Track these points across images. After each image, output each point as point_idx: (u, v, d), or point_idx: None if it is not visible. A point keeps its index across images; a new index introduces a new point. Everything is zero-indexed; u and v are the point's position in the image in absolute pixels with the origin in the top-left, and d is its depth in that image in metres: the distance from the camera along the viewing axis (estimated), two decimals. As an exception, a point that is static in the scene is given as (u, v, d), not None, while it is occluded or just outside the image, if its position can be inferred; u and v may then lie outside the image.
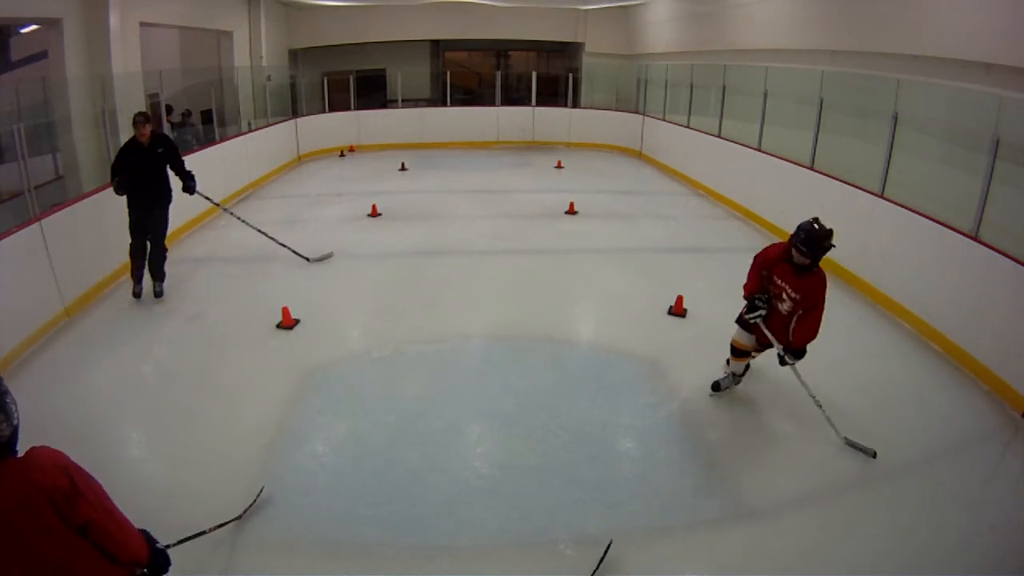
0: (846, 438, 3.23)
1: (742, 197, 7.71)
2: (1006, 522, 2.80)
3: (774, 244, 3.45)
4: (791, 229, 3.03)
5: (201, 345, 4.26)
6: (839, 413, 3.35)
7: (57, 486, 1.43)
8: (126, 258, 5.56)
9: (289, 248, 5.19)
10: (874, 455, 3.12)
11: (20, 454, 1.48)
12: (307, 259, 5.29)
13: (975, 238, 4.20)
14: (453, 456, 3.18)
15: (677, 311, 4.74)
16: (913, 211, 4.79)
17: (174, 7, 8.53)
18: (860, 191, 5.43)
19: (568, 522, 2.74)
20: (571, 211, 7.44)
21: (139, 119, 4.68)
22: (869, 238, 5.28)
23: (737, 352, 3.59)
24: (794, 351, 3.31)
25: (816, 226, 3.12)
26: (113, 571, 1.55)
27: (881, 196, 5.20)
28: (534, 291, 5.20)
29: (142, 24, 7.67)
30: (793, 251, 3.16)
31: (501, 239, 6.52)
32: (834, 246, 3.14)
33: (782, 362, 3.35)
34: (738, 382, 3.70)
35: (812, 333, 3.25)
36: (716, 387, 3.69)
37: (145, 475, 3.00)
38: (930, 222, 4.57)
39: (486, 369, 4.04)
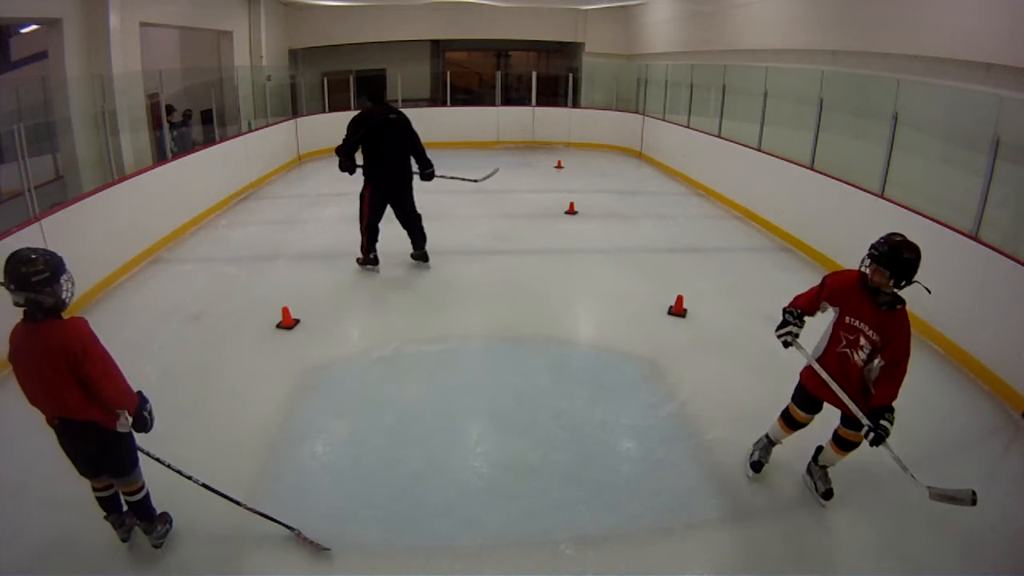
0: (929, 489, 2.42)
1: (742, 197, 7.71)
2: (1006, 522, 2.80)
3: (848, 270, 2.72)
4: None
5: (201, 345, 4.26)
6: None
7: (72, 349, 2.11)
8: (127, 257, 5.57)
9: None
10: (972, 500, 2.36)
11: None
12: (475, 180, 6.24)
13: (975, 238, 4.20)
14: (453, 456, 3.18)
15: (677, 311, 4.74)
16: (913, 211, 4.79)
17: (174, 7, 8.53)
18: (860, 191, 5.44)
19: (568, 522, 2.73)
20: (571, 211, 7.44)
21: None
22: (869, 238, 5.23)
23: (789, 420, 2.89)
24: (876, 412, 2.51)
25: (898, 237, 2.47)
26: (100, 411, 2.23)
27: (881, 196, 5.20)
28: (534, 291, 5.20)
29: (142, 24, 7.67)
30: (867, 268, 2.51)
31: (501, 239, 6.51)
32: (918, 283, 2.46)
33: (875, 440, 2.49)
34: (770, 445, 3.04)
35: (896, 389, 2.54)
36: (757, 467, 3.02)
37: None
38: (930, 222, 4.57)
39: (486, 369, 4.04)
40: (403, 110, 5.31)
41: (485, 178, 6.49)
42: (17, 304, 2.11)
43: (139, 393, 2.36)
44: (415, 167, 5.38)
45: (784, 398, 3.69)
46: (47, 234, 4.34)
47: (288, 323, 4.48)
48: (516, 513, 2.79)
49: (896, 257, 2.41)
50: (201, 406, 3.52)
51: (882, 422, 2.49)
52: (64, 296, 2.16)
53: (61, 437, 2.30)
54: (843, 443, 2.75)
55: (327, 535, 2.62)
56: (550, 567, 2.54)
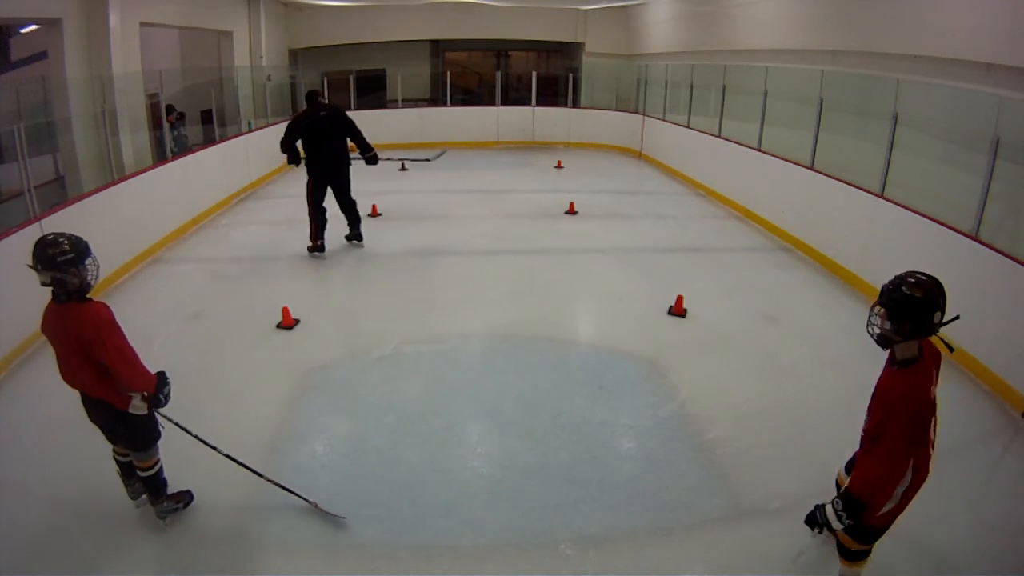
0: None
1: (742, 197, 7.71)
2: (1006, 522, 2.80)
3: None
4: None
5: (201, 345, 4.26)
6: (840, 415, 3.34)
7: (84, 334, 2.23)
8: (126, 257, 5.57)
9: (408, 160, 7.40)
10: None
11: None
12: (428, 159, 7.58)
13: (975, 238, 4.20)
14: (453, 456, 3.18)
15: (677, 311, 4.74)
16: (913, 211, 4.79)
17: (174, 7, 8.53)
18: (860, 191, 5.44)
19: (568, 522, 2.73)
20: (571, 211, 7.44)
21: None
22: (869, 238, 5.29)
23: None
24: (844, 499, 2.04)
25: (922, 275, 2.02)
26: (111, 391, 2.38)
27: (881, 196, 5.20)
28: (534, 291, 5.20)
29: (142, 24, 7.67)
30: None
31: (501, 239, 6.52)
32: (940, 338, 2.04)
33: (806, 517, 2.16)
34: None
35: (871, 476, 1.99)
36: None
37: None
38: (930, 222, 4.57)
39: (486, 369, 4.04)
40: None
41: (436, 157, 7.48)
42: (44, 284, 2.22)
43: (161, 373, 2.53)
44: (355, 155, 5.90)
45: (783, 398, 3.71)
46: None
47: (288, 323, 4.48)
48: (516, 513, 2.79)
49: (896, 290, 1.95)
50: (201, 406, 3.51)
51: (828, 504, 2.07)
52: (89, 278, 2.26)
53: (84, 407, 2.49)
54: (840, 548, 2.27)
55: (328, 534, 2.63)
56: (550, 567, 2.54)
